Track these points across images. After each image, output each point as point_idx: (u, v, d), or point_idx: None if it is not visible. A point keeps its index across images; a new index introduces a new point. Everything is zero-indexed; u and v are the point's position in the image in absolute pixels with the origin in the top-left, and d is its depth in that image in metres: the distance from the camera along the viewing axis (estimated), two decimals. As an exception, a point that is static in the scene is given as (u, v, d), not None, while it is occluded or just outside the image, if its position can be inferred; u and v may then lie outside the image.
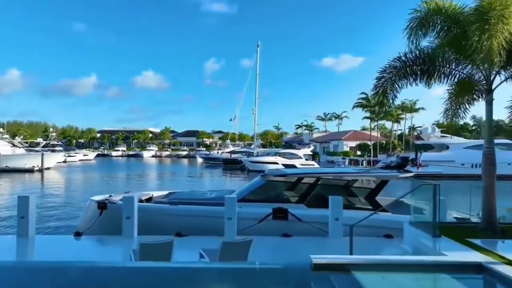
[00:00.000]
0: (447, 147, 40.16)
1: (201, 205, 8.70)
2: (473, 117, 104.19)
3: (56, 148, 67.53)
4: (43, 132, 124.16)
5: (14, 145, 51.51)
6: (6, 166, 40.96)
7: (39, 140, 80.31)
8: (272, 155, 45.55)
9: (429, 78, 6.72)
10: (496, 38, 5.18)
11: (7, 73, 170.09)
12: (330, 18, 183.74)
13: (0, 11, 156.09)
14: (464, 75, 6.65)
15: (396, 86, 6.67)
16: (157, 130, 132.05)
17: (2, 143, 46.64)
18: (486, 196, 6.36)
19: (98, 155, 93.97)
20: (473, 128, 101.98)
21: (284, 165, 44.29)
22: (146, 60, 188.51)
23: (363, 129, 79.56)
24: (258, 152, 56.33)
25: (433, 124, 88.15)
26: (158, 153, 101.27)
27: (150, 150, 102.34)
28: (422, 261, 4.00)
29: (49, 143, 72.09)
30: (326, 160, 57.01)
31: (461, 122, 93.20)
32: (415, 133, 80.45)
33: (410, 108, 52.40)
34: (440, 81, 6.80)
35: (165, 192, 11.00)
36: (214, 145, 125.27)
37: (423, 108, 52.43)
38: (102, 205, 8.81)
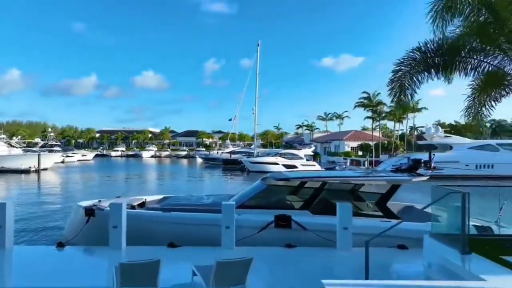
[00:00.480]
0: (451, 148, 39.46)
1: (196, 211, 7.96)
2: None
3: (54, 148, 66.73)
4: (42, 132, 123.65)
5: (11, 145, 50.78)
6: (2, 167, 40.25)
7: (37, 140, 79.47)
8: (273, 156, 44.81)
9: (451, 70, 5.99)
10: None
11: (7, 73, 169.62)
12: (330, 17, 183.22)
13: (0, 11, 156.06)
14: (493, 67, 5.92)
15: (415, 80, 5.94)
16: (157, 130, 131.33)
17: (-2, 143, 45.96)
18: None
19: (97, 155, 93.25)
20: (475, 128, 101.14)
21: (284, 165, 43.61)
22: (146, 60, 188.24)
23: (364, 129, 78.82)
24: (258, 153, 55.59)
25: (434, 124, 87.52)
26: (157, 153, 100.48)
27: (150, 150, 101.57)
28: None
29: (47, 143, 71.29)
30: (327, 160, 56.26)
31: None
32: (415, 133, 79.67)
33: (413, 107, 51.63)
34: (466, 74, 6.07)
35: (159, 197, 10.27)
36: (214, 145, 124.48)
37: (425, 108, 51.83)
38: (89, 211, 8.07)
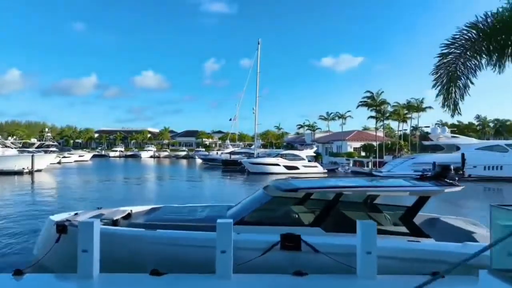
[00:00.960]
0: (458, 148, 38.11)
1: (187, 229, 6.65)
2: (478, 117, 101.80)
3: (51, 149, 65.35)
4: (40, 132, 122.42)
5: (5, 146, 49.48)
6: (-6, 168, 38.99)
7: (34, 140, 78.15)
8: (274, 157, 43.54)
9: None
10: None
11: (7, 73, 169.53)
12: (330, 17, 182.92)
13: (0, 11, 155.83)
14: None
15: (470, 65, 4.61)
16: (156, 130, 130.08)
17: (-9, 143, 44.67)
18: None
19: (95, 156, 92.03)
20: (478, 128, 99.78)
21: (286, 166, 42.35)
22: (146, 60, 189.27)
23: (365, 129, 77.43)
24: (258, 153, 54.31)
25: (436, 123, 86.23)
26: (156, 154, 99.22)
27: (149, 150, 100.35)
28: None
29: (43, 143, 69.95)
30: (329, 161, 54.99)
31: (466, 122, 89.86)
32: (417, 133, 78.26)
33: (417, 107, 50.31)
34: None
35: (147, 208, 8.95)
36: (213, 145, 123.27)
37: (430, 107, 50.41)
38: (61, 227, 6.74)
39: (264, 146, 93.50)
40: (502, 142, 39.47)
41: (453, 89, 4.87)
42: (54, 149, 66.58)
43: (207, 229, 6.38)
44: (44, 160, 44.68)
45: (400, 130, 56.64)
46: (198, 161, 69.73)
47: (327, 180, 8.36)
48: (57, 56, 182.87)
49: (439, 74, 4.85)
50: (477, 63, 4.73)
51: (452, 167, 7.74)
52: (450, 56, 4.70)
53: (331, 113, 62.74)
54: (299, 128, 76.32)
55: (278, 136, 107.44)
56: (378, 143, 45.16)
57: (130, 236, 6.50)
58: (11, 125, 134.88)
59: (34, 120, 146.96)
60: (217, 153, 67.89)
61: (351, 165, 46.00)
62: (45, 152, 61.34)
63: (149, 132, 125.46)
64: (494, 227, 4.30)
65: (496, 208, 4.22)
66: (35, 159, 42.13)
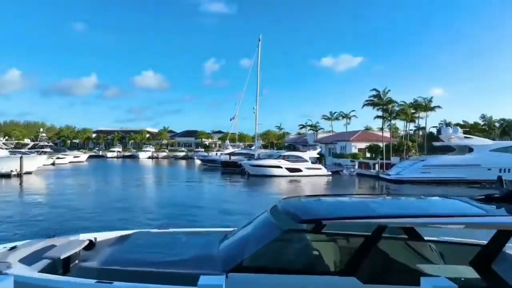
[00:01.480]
0: (471, 150, 35.94)
1: (156, 279, 4.51)
2: (483, 116, 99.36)
3: (44, 150, 63.35)
4: (37, 132, 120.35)
5: (-4, 147, 47.45)
6: (-20, 171, 36.92)
7: (27, 141, 76.04)
8: (275, 158, 41.39)
9: None
10: None
11: (7, 73, 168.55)
12: (329, 17, 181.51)
13: (0, 11, 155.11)
14: None
15: None
16: (155, 130, 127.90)
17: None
18: None
19: (91, 156, 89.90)
20: (484, 127, 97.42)
21: (288, 168, 40.25)
22: (146, 60, 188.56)
23: (367, 128, 75.28)
24: (259, 154, 52.16)
25: (440, 123, 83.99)
26: (155, 154, 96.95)
27: (147, 151, 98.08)
28: None
29: (37, 144, 67.85)
30: (333, 162, 52.85)
31: (471, 122, 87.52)
32: (420, 133, 75.97)
33: (425, 106, 48.06)
34: None
35: (117, 234, 6.77)
36: (213, 145, 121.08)
37: (439, 107, 48.13)
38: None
39: (264, 146, 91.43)
40: (518, 142, 37.28)
41: None
42: (48, 149, 64.59)
43: (187, 281, 4.21)
44: (35, 162, 42.59)
45: (406, 130, 54.55)
46: (197, 162, 67.72)
47: (361, 202, 6.10)
48: (57, 56, 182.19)
49: None
50: None
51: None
52: None
53: (335, 112, 60.65)
54: (301, 128, 74.26)
55: (279, 136, 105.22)
56: (384, 143, 42.99)
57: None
58: (10, 125, 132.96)
59: (34, 120, 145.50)
60: (216, 154, 65.73)
61: (356, 167, 43.88)
62: (38, 153, 59.58)
63: (148, 132, 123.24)
64: None
65: None
66: (24, 161, 40.03)
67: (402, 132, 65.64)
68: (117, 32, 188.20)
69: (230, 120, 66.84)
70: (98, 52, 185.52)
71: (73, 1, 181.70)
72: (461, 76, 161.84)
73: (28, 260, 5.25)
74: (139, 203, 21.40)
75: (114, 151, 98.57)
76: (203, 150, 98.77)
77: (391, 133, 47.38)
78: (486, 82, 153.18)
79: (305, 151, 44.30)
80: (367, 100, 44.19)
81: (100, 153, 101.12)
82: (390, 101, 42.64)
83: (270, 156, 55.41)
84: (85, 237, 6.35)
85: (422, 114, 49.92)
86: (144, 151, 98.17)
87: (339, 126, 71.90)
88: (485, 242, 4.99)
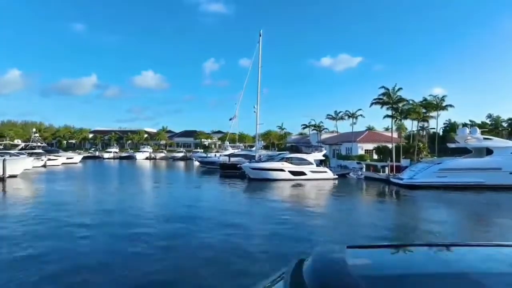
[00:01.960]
0: (489, 152, 33.06)
1: None
2: (490, 116, 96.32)
3: (36, 151, 60.60)
4: (34, 133, 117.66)
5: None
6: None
7: (17, 141, 73.23)
8: (278, 161, 38.52)
9: None
10: None
11: (7, 73, 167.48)
12: (329, 17, 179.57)
13: (1, 11, 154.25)
14: None
15: None
16: (154, 130, 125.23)
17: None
18: None
19: (87, 157, 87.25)
20: (491, 127, 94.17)
21: (291, 172, 37.44)
22: (146, 60, 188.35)
23: (369, 128, 72.31)
24: (260, 156, 49.31)
25: (445, 123, 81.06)
26: (152, 155, 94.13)
27: (144, 151, 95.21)
28: None
29: (28, 145, 65.05)
30: (338, 164, 50.04)
31: (479, 121, 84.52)
32: (423, 133, 73.03)
33: (436, 105, 45.13)
34: None
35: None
36: (213, 146, 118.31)
37: (451, 105, 45.13)
38: None
39: (265, 147, 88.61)
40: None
41: None
42: (40, 150, 61.82)
43: None
44: (20, 165, 39.79)
45: (416, 130, 51.47)
46: (196, 163, 64.90)
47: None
48: (58, 56, 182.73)
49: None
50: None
51: None
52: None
53: (340, 111, 57.55)
54: (303, 128, 71.21)
55: (281, 136, 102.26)
56: (394, 144, 40.13)
57: None
58: (7, 125, 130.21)
59: (35, 120, 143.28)
60: (215, 155, 62.82)
61: (363, 170, 41.02)
62: (29, 154, 56.90)
63: (146, 132, 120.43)
64: None
65: None
66: (8, 164, 37.22)
67: (411, 132, 62.65)
68: (117, 32, 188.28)
69: (230, 120, 64.30)
70: (98, 52, 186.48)
71: (73, 1, 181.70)
72: (461, 76, 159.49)
73: None
74: (116, 217, 18.57)
75: (110, 152, 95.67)
76: (202, 151, 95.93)
77: (401, 134, 44.43)
78: (488, 81, 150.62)
79: (309, 153, 41.33)
80: (375, 99, 41.33)
81: (97, 153, 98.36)
82: (401, 99, 39.77)
83: (271, 158, 52.74)
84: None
85: (432, 113, 46.89)
86: (141, 151, 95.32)
87: (343, 127, 69.28)
88: None
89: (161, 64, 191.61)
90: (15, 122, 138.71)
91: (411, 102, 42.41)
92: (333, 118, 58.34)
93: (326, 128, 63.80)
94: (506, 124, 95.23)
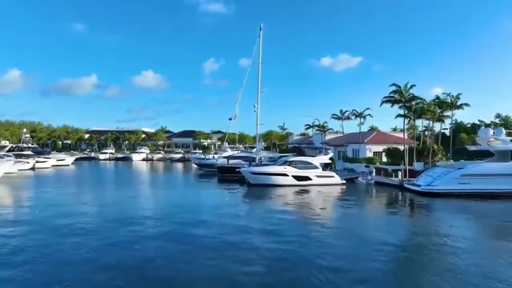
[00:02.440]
0: (515, 155, 29.64)
1: None
2: (498, 115, 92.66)
3: (24, 152, 57.43)
4: (31, 133, 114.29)
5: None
6: None
7: (5, 142, 69.98)
8: (280, 164, 35.16)
9: None
10: None
11: (7, 73, 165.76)
12: (328, 17, 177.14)
13: (1, 11, 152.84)
14: None
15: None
16: (151, 130, 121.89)
17: None
18: None
19: (81, 159, 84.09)
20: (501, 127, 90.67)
21: (295, 177, 34.13)
22: (146, 60, 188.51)
23: (372, 129, 68.98)
24: (261, 159, 45.96)
25: (451, 123, 77.68)
26: (149, 156, 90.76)
27: (141, 152, 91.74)
28: None
29: (17, 146, 61.77)
30: (344, 167, 46.63)
31: (488, 121, 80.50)
32: (428, 133, 69.12)
33: (451, 104, 41.65)
34: None
35: None
36: (212, 146, 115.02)
37: (467, 104, 41.57)
38: None
39: (266, 148, 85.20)
40: None
41: None
42: (28, 152, 58.65)
43: None
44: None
45: (420, 131, 47.92)
46: (194, 165, 61.50)
47: None
48: (58, 56, 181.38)
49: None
50: None
51: None
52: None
53: (346, 111, 53.77)
54: (307, 128, 67.50)
55: (282, 137, 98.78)
56: (407, 146, 36.75)
57: None
58: (5, 125, 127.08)
59: (33, 120, 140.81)
60: (213, 157, 59.43)
61: (374, 174, 37.64)
62: (17, 156, 53.94)
63: (144, 132, 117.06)
64: None
65: None
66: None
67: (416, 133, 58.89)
68: (117, 32, 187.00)
69: (230, 119, 60.77)
70: (98, 52, 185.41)
71: (73, 1, 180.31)
72: (461, 76, 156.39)
73: None
74: (89, 239, 15.30)
75: (106, 153, 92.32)
76: (200, 151, 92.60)
77: (413, 135, 40.82)
78: (488, 81, 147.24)
79: (314, 156, 37.78)
80: (386, 97, 37.90)
81: (92, 154, 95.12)
82: (414, 97, 36.38)
83: (273, 161, 49.39)
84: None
85: (447, 113, 43.38)
86: (137, 153, 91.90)
87: (346, 127, 65.76)
88: None
89: (161, 64, 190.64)
90: (13, 122, 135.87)
91: (423, 101, 39.10)
92: (339, 118, 54.80)
93: (331, 129, 60.33)
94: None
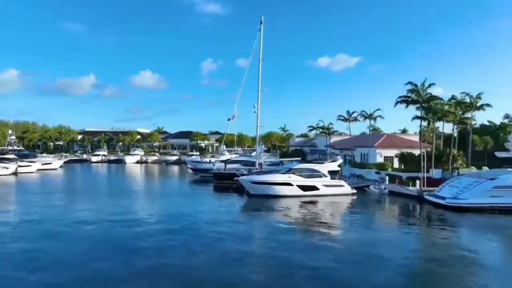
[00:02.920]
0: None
1: None
2: (507, 116, 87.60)
3: (7, 156, 53.48)
4: (23, 133, 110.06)
5: None
6: None
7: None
8: (284, 173, 31.24)
9: None
10: None
11: (5, 72, 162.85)
12: (326, 17, 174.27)
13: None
14: None
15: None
16: (147, 131, 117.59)
17: None
18: None
19: (72, 161, 79.98)
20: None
21: (300, 186, 30.30)
22: (144, 60, 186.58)
23: (375, 129, 64.96)
24: (261, 164, 42.14)
25: (472, 125, 73.81)
26: (144, 158, 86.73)
27: (135, 155, 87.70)
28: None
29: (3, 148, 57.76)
30: (352, 173, 42.83)
31: (498, 122, 75.96)
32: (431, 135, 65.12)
33: (471, 104, 37.76)
34: None
35: None
36: (210, 147, 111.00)
37: (489, 105, 37.65)
38: None
39: (266, 150, 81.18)
40: None
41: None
42: (11, 156, 54.69)
43: None
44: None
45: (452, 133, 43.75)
46: (189, 166, 57.44)
47: None
48: (56, 56, 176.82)
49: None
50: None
51: None
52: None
53: (354, 112, 49.44)
54: (310, 130, 63.41)
55: (283, 138, 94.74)
56: (423, 151, 32.93)
57: None
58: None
59: (31, 120, 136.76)
60: (210, 160, 55.37)
61: (387, 182, 33.79)
62: (2, 159, 50.31)
63: (139, 133, 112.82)
64: None
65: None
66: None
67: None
68: (115, 32, 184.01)
69: (228, 120, 56.63)
70: (97, 52, 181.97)
71: (71, 1, 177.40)
72: (459, 77, 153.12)
73: None
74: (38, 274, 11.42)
75: (98, 155, 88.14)
76: (197, 153, 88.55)
77: (434, 138, 36.81)
78: (485, 81, 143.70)
79: (318, 159, 33.67)
80: (401, 97, 34.06)
81: (84, 156, 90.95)
82: (432, 97, 32.57)
83: (275, 165, 45.60)
84: None
85: (467, 114, 39.47)
86: (131, 155, 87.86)
87: (353, 129, 61.92)
88: None
89: (159, 64, 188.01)
90: (6, 122, 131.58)
91: (442, 101, 35.34)
92: (346, 120, 50.69)
93: (336, 131, 56.25)
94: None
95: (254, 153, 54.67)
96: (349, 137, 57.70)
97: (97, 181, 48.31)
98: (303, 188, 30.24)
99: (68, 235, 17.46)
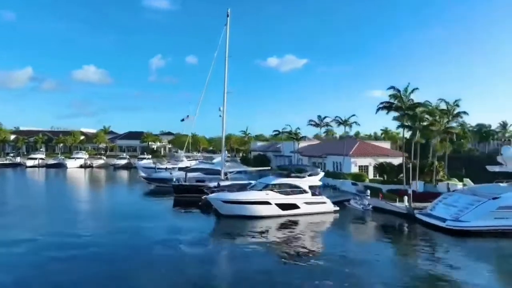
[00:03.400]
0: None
1: None
2: (502, 124, 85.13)
3: None
4: None
5: None
6: None
7: None
8: (260, 189, 26.81)
9: None
10: None
11: None
12: (278, 18, 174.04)
13: None
14: None
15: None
16: (92, 131, 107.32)
17: None
18: None
19: (1, 166, 69.77)
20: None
21: (279, 205, 26.18)
22: (88, 55, 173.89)
23: (341, 137, 62.71)
24: (227, 175, 37.46)
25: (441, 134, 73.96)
26: (88, 162, 77.98)
27: (78, 158, 78.71)
28: None
29: None
30: (325, 184, 39.37)
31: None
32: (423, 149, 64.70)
33: (448, 112, 36.05)
34: None
35: None
36: (162, 149, 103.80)
37: (465, 113, 36.12)
38: None
39: (228, 157, 76.35)
40: None
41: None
42: None
43: None
44: None
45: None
46: (141, 173, 50.88)
47: None
48: None
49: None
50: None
51: None
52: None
53: (325, 117, 45.80)
54: (276, 134, 59.17)
55: (243, 141, 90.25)
56: (407, 162, 30.23)
57: None
58: None
59: None
60: (166, 168, 49.35)
61: (368, 196, 30.70)
62: None
63: (83, 133, 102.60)
64: None
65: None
66: None
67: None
68: (52, 22, 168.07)
69: (181, 120, 50.90)
70: (34, 43, 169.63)
71: None
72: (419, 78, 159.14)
73: None
74: None
75: (35, 159, 77.88)
76: (149, 157, 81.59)
77: (404, 146, 33.91)
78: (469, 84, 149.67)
79: (302, 177, 28.96)
80: (383, 103, 31.31)
81: (18, 160, 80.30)
82: (417, 104, 30.06)
83: (241, 173, 41.29)
84: None
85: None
86: (74, 158, 78.74)
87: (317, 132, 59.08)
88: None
89: (104, 59, 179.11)
90: None
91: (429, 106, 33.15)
92: (317, 125, 47.32)
93: (305, 136, 52.70)
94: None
95: (215, 160, 49.73)
96: (318, 142, 54.64)
97: (29, 192, 40.74)
98: (282, 206, 26.12)
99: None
